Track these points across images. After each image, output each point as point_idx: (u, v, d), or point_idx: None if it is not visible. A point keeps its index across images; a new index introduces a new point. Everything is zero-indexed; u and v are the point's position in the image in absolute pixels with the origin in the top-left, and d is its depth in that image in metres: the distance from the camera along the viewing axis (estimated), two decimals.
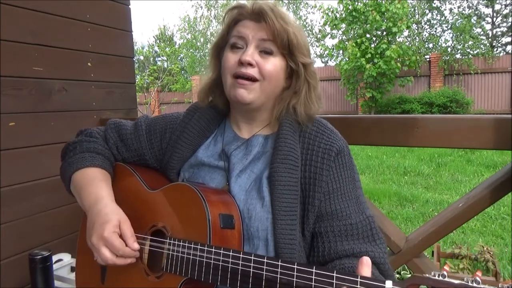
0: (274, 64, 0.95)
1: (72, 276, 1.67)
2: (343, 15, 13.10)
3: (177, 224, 0.92)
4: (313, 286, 0.71)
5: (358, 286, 0.67)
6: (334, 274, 0.69)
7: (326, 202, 0.92)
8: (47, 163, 1.86)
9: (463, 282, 0.60)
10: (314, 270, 0.71)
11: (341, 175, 0.94)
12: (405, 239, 1.45)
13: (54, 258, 1.71)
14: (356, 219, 0.91)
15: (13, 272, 1.73)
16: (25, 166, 1.79)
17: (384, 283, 0.65)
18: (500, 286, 0.58)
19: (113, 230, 0.90)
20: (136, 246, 0.91)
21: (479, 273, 0.56)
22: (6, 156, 1.71)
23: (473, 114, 8.25)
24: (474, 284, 0.59)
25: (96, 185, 1.01)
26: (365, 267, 0.71)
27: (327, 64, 21.34)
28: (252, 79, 0.94)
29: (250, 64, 0.93)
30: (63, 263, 1.74)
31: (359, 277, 0.68)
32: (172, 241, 0.90)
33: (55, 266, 1.64)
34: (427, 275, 0.63)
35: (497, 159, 6.78)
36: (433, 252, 2.94)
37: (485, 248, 2.91)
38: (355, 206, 0.93)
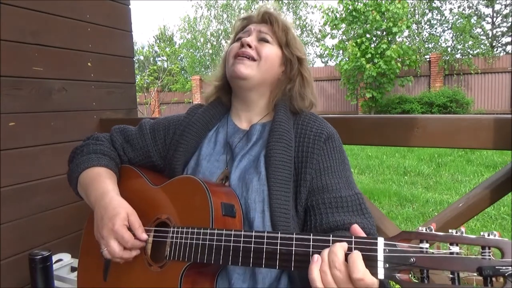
0: (270, 49, 1.08)
1: (72, 276, 1.67)
2: (343, 15, 13.10)
3: (180, 214, 0.95)
4: (311, 252, 0.75)
5: (353, 246, 0.71)
6: (331, 238, 0.75)
7: (317, 178, 0.99)
8: (47, 163, 1.86)
9: (448, 234, 0.65)
10: (311, 237, 0.77)
11: (331, 156, 1.02)
12: None
13: (54, 258, 1.71)
14: (345, 193, 0.97)
15: (13, 272, 1.73)
16: (25, 166, 1.79)
17: (377, 240, 0.70)
18: (481, 234, 0.63)
19: (123, 223, 0.93)
20: (144, 236, 0.95)
21: (462, 228, 0.58)
22: (6, 156, 1.71)
23: (473, 114, 8.24)
24: (459, 234, 0.64)
25: (102, 181, 1.05)
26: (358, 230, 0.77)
27: (327, 64, 21.36)
28: (250, 58, 1.06)
29: (249, 46, 1.06)
30: (63, 263, 1.74)
31: (353, 236, 0.73)
32: (175, 229, 0.93)
33: (55, 266, 1.64)
34: (415, 230, 0.67)
35: (497, 159, 6.77)
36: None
37: None
38: (345, 183, 1.00)
